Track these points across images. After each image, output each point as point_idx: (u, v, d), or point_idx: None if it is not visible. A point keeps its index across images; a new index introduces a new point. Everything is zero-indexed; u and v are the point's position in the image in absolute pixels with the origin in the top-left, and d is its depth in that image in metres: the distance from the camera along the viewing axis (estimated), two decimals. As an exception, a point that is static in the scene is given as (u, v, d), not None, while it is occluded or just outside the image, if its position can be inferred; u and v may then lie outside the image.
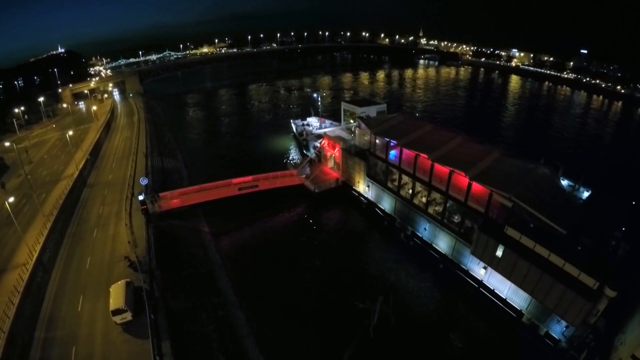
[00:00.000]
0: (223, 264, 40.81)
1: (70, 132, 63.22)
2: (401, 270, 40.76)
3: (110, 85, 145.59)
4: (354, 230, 49.05)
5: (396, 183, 45.85)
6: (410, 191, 43.80)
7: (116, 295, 28.74)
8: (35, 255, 35.78)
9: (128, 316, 28.03)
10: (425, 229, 42.55)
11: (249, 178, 51.43)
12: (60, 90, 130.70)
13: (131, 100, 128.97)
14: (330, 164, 59.53)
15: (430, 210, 41.92)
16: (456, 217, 39.84)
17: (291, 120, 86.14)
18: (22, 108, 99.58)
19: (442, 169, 38.29)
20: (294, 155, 74.65)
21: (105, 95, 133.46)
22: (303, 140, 73.23)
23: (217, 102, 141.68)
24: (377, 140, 46.86)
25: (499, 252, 32.26)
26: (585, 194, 38.46)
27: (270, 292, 37.28)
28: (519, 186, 33.31)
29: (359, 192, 52.96)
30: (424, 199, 42.92)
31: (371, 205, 50.56)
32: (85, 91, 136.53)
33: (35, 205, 46.76)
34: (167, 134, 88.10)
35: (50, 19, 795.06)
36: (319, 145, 60.67)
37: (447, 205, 39.37)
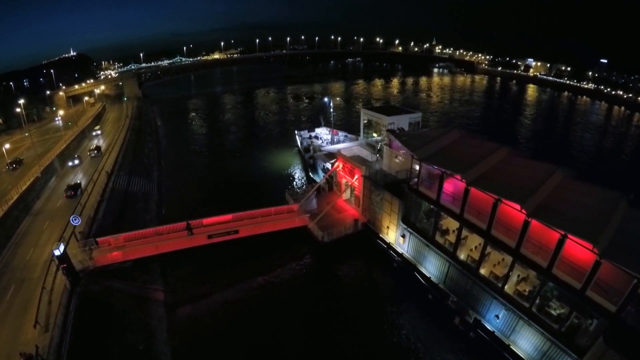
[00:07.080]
0: (173, 365, 25.45)
1: (7, 145, 49.23)
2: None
3: (102, 87, 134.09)
4: (380, 302, 32.61)
5: (450, 237, 30.14)
6: (478, 255, 27.79)
7: None
8: None
9: None
10: (497, 316, 26.44)
11: (228, 217, 35.35)
12: (48, 92, 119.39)
13: (124, 105, 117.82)
14: (346, 195, 43.95)
15: (509, 289, 26.01)
16: (555, 307, 24.07)
17: (295, 132, 71.27)
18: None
19: (542, 229, 22.57)
20: (297, 178, 58.87)
21: (90, 99, 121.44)
22: (309, 159, 57.85)
23: (220, 108, 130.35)
24: (422, 170, 31.34)
25: (636, 382, 17.49)
26: None
27: None
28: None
29: (387, 244, 36.61)
30: (498, 270, 27.06)
31: (407, 264, 34.24)
32: (63, 96, 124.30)
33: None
34: (149, 145, 73.86)
35: (69, 22, 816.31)
36: (330, 167, 45.45)
37: (543, 288, 23.70)
